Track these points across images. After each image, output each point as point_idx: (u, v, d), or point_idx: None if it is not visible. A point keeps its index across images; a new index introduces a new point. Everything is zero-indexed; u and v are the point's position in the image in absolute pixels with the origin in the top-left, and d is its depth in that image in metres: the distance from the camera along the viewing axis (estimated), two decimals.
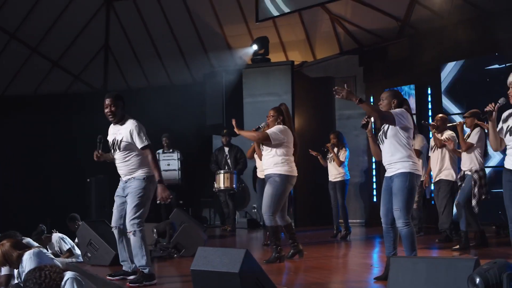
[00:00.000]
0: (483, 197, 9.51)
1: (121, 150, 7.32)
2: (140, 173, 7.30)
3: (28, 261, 6.43)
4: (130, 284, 7.10)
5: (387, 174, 7.00)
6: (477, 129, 9.63)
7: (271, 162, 8.61)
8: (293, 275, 7.90)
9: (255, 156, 10.60)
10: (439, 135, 10.30)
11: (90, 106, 18.38)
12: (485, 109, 6.31)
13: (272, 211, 8.49)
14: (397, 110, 6.88)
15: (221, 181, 12.86)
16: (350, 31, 15.73)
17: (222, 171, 13.04)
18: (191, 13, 17.32)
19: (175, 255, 9.58)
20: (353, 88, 15.42)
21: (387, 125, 6.92)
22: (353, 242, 11.73)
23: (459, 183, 9.80)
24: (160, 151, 14.61)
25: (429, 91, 13.79)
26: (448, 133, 10.30)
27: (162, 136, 14.78)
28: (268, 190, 8.54)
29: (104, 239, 9.01)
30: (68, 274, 5.56)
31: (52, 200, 17.21)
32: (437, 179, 10.44)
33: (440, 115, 10.73)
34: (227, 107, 15.32)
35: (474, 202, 9.51)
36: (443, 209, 10.41)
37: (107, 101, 7.32)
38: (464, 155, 9.71)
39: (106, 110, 7.34)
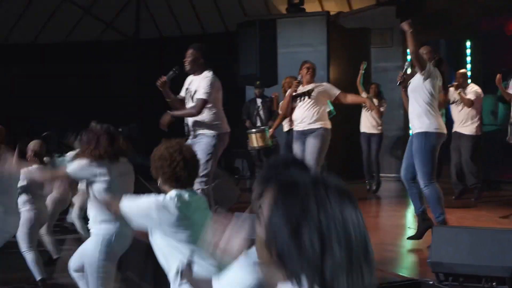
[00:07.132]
0: None
1: None
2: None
3: None
4: None
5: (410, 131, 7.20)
6: None
7: (314, 116, 8.59)
8: None
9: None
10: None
11: (122, 54, 18.36)
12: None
13: (319, 164, 8.57)
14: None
15: (254, 141, 12.42)
16: None
17: (253, 130, 12.51)
18: None
19: None
20: (390, 40, 15.09)
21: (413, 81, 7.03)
22: (387, 199, 11.57)
23: None
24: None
25: (467, 45, 13.41)
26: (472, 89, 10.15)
27: None
28: (316, 143, 8.51)
29: None
30: None
31: None
32: None
33: (461, 71, 10.51)
34: (261, 58, 15.03)
35: None
36: None
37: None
38: None
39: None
